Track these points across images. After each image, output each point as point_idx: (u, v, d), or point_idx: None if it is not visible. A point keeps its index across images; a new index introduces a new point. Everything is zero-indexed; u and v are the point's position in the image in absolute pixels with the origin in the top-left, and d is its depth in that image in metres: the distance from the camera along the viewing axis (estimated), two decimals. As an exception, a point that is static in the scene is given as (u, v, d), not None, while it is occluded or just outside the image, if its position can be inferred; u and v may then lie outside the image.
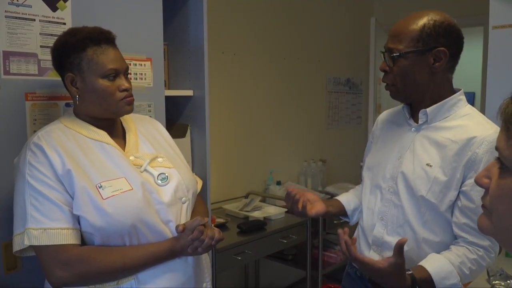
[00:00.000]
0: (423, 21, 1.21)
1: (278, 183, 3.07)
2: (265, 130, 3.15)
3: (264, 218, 2.55)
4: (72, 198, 1.14)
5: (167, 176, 1.27)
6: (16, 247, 1.13)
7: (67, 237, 1.11)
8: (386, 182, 1.32)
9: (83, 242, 1.17)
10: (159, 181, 1.26)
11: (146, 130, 1.39)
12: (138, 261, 1.16)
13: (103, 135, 1.25)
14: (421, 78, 1.24)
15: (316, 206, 1.43)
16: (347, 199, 1.55)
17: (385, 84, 1.32)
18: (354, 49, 3.85)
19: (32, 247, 1.12)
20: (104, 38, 1.23)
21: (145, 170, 1.26)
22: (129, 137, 1.33)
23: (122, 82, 1.24)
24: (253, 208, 2.67)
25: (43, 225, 1.10)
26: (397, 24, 1.26)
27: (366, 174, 1.43)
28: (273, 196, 2.92)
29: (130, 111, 1.28)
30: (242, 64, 2.96)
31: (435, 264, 1.17)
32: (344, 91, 3.86)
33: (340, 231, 1.17)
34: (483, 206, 0.61)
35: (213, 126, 2.69)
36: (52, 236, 1.10)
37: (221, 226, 2.41)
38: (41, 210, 1.11)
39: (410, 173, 1.26)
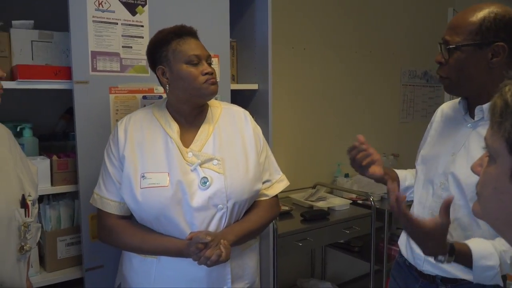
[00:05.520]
0: (483, 13, 1.15)
1: (346, 175, 3.10)
2: (335, 123, 3.19)
3: (328, 208, 2.61)
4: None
5: (208, 181, 1.32)
6: (91, 200, 1.42)
7: (112, 208, 1.37)
8: (438, 178, 1.30)
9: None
10: (200, 184, 1.31)
11: (226, 127, 1.43)
12: (151, 248, 1.33)
13: (174, 129, 1.37)
14: (477, 73, 1.18)
15: (376, 169, 1.39)
16: (404, 174, 1.52)
17: (439, 76, 1.27)
18: (432, 41, 3.71)
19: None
20: (185, 31, 1.36)
21: (195, 169, 1.33)
22: (202, 131, 1.39)
23: (205, 67, 1.34)
24: (318, 198, 2.75)
25: (102, 193, 1.39)
26: (456, 15, 1.22)
27: (419, 168, 1.41)
28: (341, 188, 2.97)
29: (215, 90, 1.35)
30: (313, 58, 3.02)
31: (477, 243, 1.15)
32: (421, 84, 3.75)
33: (389, 183, 1.12)
34: (476, 192, 0.66)
35: (282, 119, 2.81)
36: (104, 203, 1.38)
37: (286, 214, 2.52)
38: (104, 181, 1.39)
39: (462, 171, 1.22)
